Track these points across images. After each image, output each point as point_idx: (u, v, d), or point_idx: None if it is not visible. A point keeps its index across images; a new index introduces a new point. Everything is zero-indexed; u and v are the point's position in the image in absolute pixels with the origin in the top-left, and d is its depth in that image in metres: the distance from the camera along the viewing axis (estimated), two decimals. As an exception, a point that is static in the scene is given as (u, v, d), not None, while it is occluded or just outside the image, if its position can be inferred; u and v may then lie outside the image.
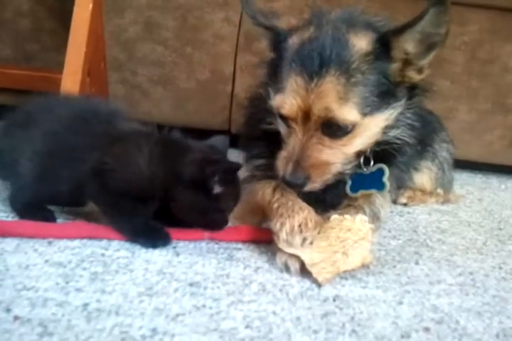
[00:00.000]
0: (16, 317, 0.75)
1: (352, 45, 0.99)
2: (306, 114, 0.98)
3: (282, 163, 1.04)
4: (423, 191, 1.60)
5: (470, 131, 2.00)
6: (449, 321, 0.90)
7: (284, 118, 1.04)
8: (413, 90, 1.08)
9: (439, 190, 1.61)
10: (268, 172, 1.18)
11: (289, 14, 1.78)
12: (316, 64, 0.96)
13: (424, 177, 1.56)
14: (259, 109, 1.19)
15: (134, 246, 1.03)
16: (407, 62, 1.03)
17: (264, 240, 1.08)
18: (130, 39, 1.86)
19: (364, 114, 0.99)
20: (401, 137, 1.13)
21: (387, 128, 1.09)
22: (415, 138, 1.15)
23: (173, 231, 1.11)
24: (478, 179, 2.07)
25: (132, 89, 1.91)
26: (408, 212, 1.51)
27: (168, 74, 1.90)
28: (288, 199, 1.08)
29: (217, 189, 1.00)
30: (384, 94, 1.01)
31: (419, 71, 1.05)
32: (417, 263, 1.13)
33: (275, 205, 1.08)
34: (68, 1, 1.67)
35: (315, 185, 1.03)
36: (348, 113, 0.97)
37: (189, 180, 0.99)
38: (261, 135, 1.21)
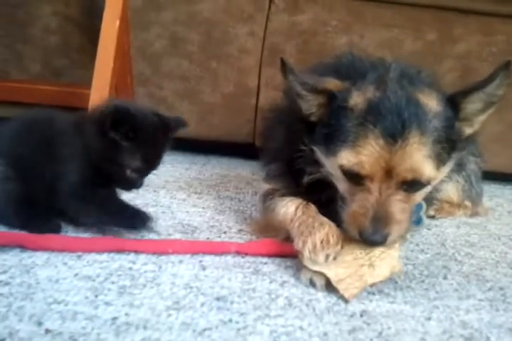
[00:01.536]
0: (47, 331, 0.77)
1: (425, 105, 1.00)
2: (387, 173, 0.98)
3: (355, 220, 1.01)
4: (450, 203, 1.58)
5: (498, 141, 1.98)
6: (479, 337, 0.88)
7: (354, 177, 1.02)
8: (462, 144, 1.10)
9: (467, 203, 1.59)
10: (289, 188, 1.19)
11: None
12: (397, 124, 0.96)
13: (450, 189, 1.54)
14: (284, 125, 1.20)
15: (161, 259, 1.04)
16: (465, 119, 1.06)
17: (290, 254, 1.08)
18: (156, 54, 1.89)
19: (438, 169, 1.01)
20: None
21: None
22: None
23: (199, 245, 1.12)
24: (507, 191, 2.04)
25: (158, 103, 1.93)
26: (436, 225, 1.49)
27: (194, 88, 1.92)
28: (308, 216, 1.09)
29: (122, 142, 1.04)
30: (451, 150, 1.04)
31: (471, 126, 1.08)
32: (445, 277, 1.12)
33: (296, 224, 1.08)
34: (95, 18, 1.72)
35: (394, 240, 1.01)
36: (430, 171, 0.98)
37: (95, 126, 1.06)
38: (282, 150, 1.22)
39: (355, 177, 1.02)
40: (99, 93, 1.48)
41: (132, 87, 1.82)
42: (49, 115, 1.18)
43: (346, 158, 1.00)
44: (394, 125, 0.96)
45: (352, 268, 0.97)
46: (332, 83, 1.07)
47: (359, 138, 0.98)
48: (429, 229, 1.44)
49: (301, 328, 0.85)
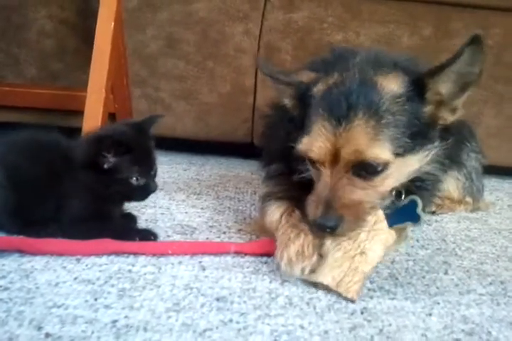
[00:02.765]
0: (47, 335, 0.77)
1: (381, 87, 0.97)
2: (335, 158, 0.97)
3: (312, 206, 1.00)
4: (451, 199, 1.58)
5: (497, 135, 1.98)
6: (480, 332, 0.88)
7: (312, 162, 1.03)
8: (446, 131, 1.06)
9: (468, 199, 1.59)
10: (287, 191, 1.19)
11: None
12: (343, 108, 0.95)
13: (451, 186, 1.54)
14: (282, 124, 1.20)
15: (161, 261, 1.04)
16: (440, 103, 1.02)
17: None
18: (152, 55, 1.89)
19: (396, 154, 0.97)
20: (433, 172, 1.11)
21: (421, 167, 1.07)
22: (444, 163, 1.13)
23: (198, 245, 1.12)
24: (506, 184, 2.03)
25: (155, 104, 1.93)
26: (436, 221, 1.48)
27: (190, 88, 1.92)
28: (289, 225, 1.08)
29: (109, 163, 1.08)
30: (416, 136, 0.99)
31: (453, 111, 1.03)
32: (446, 273, 1.11)
33: (280, 233, 1.08)
34: (90, 20, 1.72)
35: (350, 225, 0.98)
36: (379, 152, 0.95)
37: (81, 164, 1.10)
38: (282, 150, 1.21)
39: (313, 164, 1.02)
40: (95, 95, 1.48)
41: (128, 89, 1.82)
42: (52, 138, 1.18)
43: (304, 143, 1.01)
44: (340, 108, 0.95)
45: (345, 263, 0.96)
46: (305, 75, 1.09)
47: (312, 124, 0.99)
48: (429, 225, 1.44)
49: (301, 327, 0.85)
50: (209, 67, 1.90)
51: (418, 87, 0.99)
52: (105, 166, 1.09)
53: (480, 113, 1.94)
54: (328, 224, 0.96)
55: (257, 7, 1.85)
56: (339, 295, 0.95)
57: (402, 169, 1.01)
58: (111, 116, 1.67)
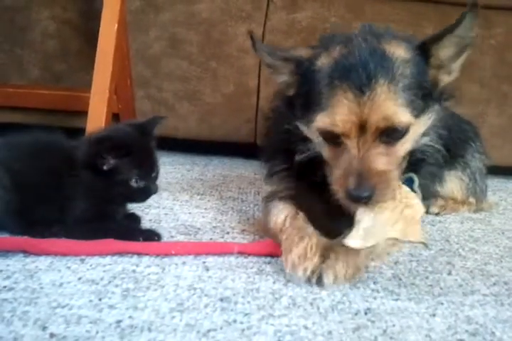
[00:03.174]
0: (51, 335, 0.77)
1: (390, 53, 1.00)
2: (361, 127, 0.97)
3: (340, 181, 0.99)
4: (454, 200, 1.58)
5: (501, 135, 1.98)
6: (484, 333, 0.88)
7: (332, 138, 1.01)
8: (441, 95, 1.09)
9: (471, 200, 1.59)
10: (288, 189, 1.18)
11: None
12: (362, 76, 0.96)
13: (454, 186, 1.54)
14: (283, 125, 1.19)
15: (164, 261, 1.04)
16: (440, 67, 1.05)
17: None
18: (155, 55, 1.89)
19: (415, 116, 0.99)
20: (431, 144, 1.13)
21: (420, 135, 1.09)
22: (444, 146, 1.14)
23: (202, 245, 1.13)
24: (510, 185, 2.03)
25: (158, 104, 1.94)
26: (440, 221, 1.48)
27: (194, 88, 1.92)
28: (294, 228, 1.08)
29: (109, 164, 1.08)
30: (426, 97, 1.02)
31: (449, 73, 1.07)
32: (449, 273, 1.11)
33: (284, 236, 1.08)
34: (93, 21, 1.72)
35: (382, 193, 0.98)
36: (403, 116, 0.97)
37: (82, 165, 1.10)
38: (284, 149, 1.21)
39: (333, 139, 1.02)
40: (98, 96, 1.48)
41: (132, 90, 1.82)
42: (55, 139, 1.19)
43: (321, 120, 1.00)
44: (360, 77, 0.96)
45: (399, 218, 0.97)
46: (303, 51, 1.09)
47: (329, 98, 0.99)
48: (433, 225, 1.44)
49: (305, 327, 0.85)
50: (212, 68, 1.90)
51: (422, 52, 1.03)
52: (105, 168, 1.09)
53: (483, 112, 1.95)
54: (364, 195, 0.96)
55: (260, 7, 1.86)
56: (342, 294, 0.95)
57: (416, 131, 1.04)
58: (114, 117, 1.67)
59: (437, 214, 1.54)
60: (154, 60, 1.90)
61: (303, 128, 1.09)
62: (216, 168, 1.95)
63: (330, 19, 1.85)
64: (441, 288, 1.03)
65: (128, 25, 1.73)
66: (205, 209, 1.42)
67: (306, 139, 1.11)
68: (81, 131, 1.37)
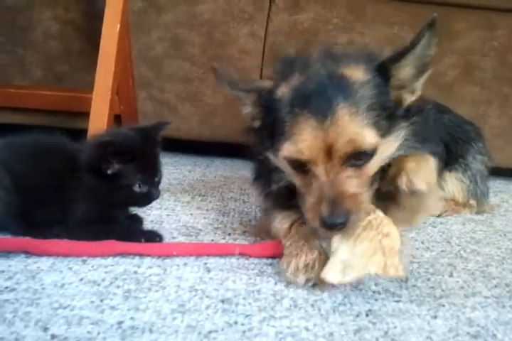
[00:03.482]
0: (53, 336, 0.77)
1: (349, 76, 0.98)
2: (327, 153, 0.95)
3: (313, 210, 0.97)
4: (456, 202, 1.57)
5: (502, 136, 1.98)
6: (485, 335, 0.88)
7: (300, 166, 1.00)
8: (408, 112, 1.06)
9: (472, 202, 1.59)
10: (287, 199, 1.15)
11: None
12: (322, 102, 0.95)
13: (455, 188, 1.54)
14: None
15: (166, 263, 1.04)
16: (402, 87, 1.03)
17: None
18: (157, 56, 1.89)
19: (381, 136, 0.97)
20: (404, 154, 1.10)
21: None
22: (445, 147, 1.14)
23: (203, 247, 1.13)
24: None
25: (160, 105, 1.94)
26: (441, 223, 1.48)
27: (196, 90, 1.92)
28: (301, 237, 1.07)
29: (113, 169, 1.08)
30: (390, 117, 1.00)
31: (412, 92, 1.04)
32: (451, 275, 1.11)
33: (288, 243, 1.07)
34: (96, 22, 1.73)
35: (356, 218, 0.95)
36: (369, 138, 0.95)
37: (85, 168, 1.10)
38: (264, 176, 1.20)
39: (301, 167, 1.00)
40: (100, 97, 1.48)
41: (134, 91, 1.83)
42: (57, 140, 1.19)
43: (287, 149, 0.99)
44: (320, 103, 0.95)
45: (378, 249, 0.94)
46: (266, 82, 1.08)
47: (292, 126, 0.97)
48: (434, 227, 1.44)
49: (306, 329, 0.85)
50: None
51: (382, 73, 1.00)
52: (109, 172, 1.09)
53: (485, 114, 1.95)
54: (339, 221, 0.93)
55: (262, 8, 1.85)
56: (344, 296, 0.95)
57: (384, 151, 1.02)
58: (116, 118, 1.67)
59: (439, 215, 1.54)
60: (156, 61, 1.90)
61: (273, 158, 1.08)
62: (218, 169, 1.95)
63: (332, 20, 1.85)
64: (442, 290, 1.03)
65: (130, 26, 1.73)
66: (207, 210, 1.42)
67: (278, 169, 1.10)
68: (83, 132, 1.37)
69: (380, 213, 0.99)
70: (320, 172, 0.97)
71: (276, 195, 1.18)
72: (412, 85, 1.03)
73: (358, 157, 0.97)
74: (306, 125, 0.95)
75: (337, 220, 0.93)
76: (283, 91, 1.02)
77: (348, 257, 0.93)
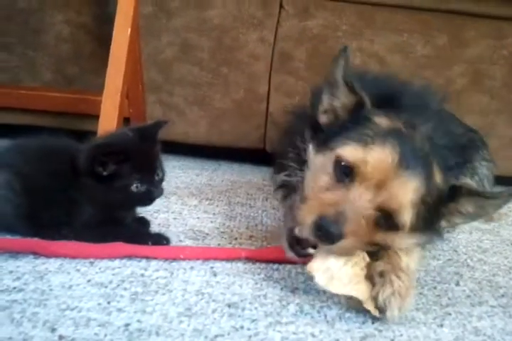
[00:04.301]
0: (60, 337, 0.77)
1: (434, 173, 0.97)
2: (378, 187, 0.92)
3: (312, 208, 0.94)
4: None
5: (510, 146, 1.97)
6: (492, 344, 0.88)
7: (343, 172, 0.96)
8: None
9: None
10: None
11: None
12: (412, 157, 0.94)
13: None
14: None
15: (173, 266, 1.05)
16: (450, 214, 1.02)
17: (301, 260, 1.07)
18: (167, 61, 1.90)
19: (411, 228, 0.96)
20: None
21: None
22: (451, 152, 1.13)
23: (210, 251, 1.13)
24: (519, 195, 2.02)
25: (169, 109, 1.95)
26: (448, 231, 1.48)
27: (204, 94, 1.93)
28: None
29: (108, 170, 1.07)
30: (426, 222, 0.98)
31: (449, 223, 1.04)
32: (457, 284, 1.11)
33: None
34: (107, 25, 1.74)
35: (344, 246, 0.91)
36: (408, 217, 0.93)
37: (82, 170, 1.09)
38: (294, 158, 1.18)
39: (344, 174, 0.96)
40: (110, 100, 1.49)
41: (143, 94, 1.83)
42: (64, 143, 1.20)
43: (351, 151, 0.96)
44: (411, 158, 0.93)
45: (365, 282, 0.94)
46: (367, 99, 1.04)
47: (375, 143, 0.94)
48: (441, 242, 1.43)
49: (312, 335, 0.85)
50: (223, 74, 1.91)
51: (452, 194, 0.99)
52: (104, 173, 1.08)
53: (493, 123, 1.94)
54: (334, 232, 0.88)
55: (271, 14, 1.86)
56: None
57: (400, 240, 0.99)
58: (125, 121, 1.68)
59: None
60: (166, 65, 1.90)
61: (311, 151, 1.06)
62: (225, 173, 1.95)
63: (341, 27, 1.86)
64: (449, 299, 1.03)
65: (140, 30, 1.74)
66: (214, 214, 1.43)
67: (302, 163, 1.09)
68: (92, 134, 1.38)
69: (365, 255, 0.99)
70: (357, 190, 0.92)
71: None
72: (455, 220, 1.03)
73: (386, 219, 0.94)
74: (389, 152, 0.93)
75: (334, 230, 0.89)
76: (382, 122, 1.00)
77: (338, 270, 0.92)
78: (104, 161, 1.07)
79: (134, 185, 1.10)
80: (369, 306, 0.91)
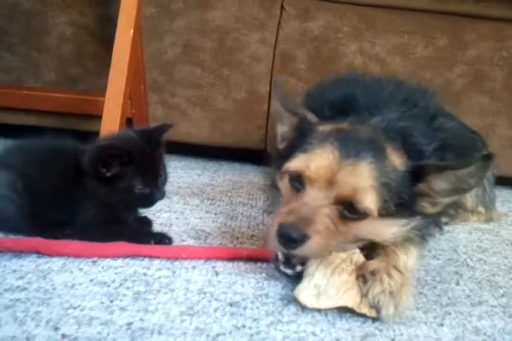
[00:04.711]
0: (63, 336, 0.78)
1: (387, 156, 0.99)
2: (329, 184, 0.95)
3: (280, 216, 0.96)
4: (464, 208, 1.57)
5: (511, 146, 1.97)
6: (492, 344, 0.88)
7: (297, 181, 1.01)
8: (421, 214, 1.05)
9: (481, 208, 1.59)
10: None
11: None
12: (355, 147, 0.96)
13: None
14: None
15: (175, 265, 1.06)
16: (427, 195, 1.02)
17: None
18: (169, 62, 1.91)
19: (379, 214, 0.96)
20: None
21: None
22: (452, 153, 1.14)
23: (212, 250, 1.14)
24: (519, 196, 2.03)
25: (171, 110, 1.95)
26: (448, 231, 1.48)
27: (206, 95, 1.94)
28: None
29: (112, 171, 1.09)
30: (401, 207, 0.99)
31: (434, 205, 1.03)
32: (457, 283, 1.12)
33: None
34: (110, 27, 1.75)
35: (312, 246, 0.92)
36: (369, 201, 0.94)
37: (86, 171, 1.11)
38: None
39: (297, 183, 1.00)
40: (113, 100, 1.50)
41: (146, 95, 1.84)
42: (66, 144, 1.21)
43: (296, 161, 1.00)
44: (352, 147, 0.96)
45: (354, 285, 0.94)
46: (309, 114, 1.11)
47: (315, 147, 0.99)
48: (441, 235, 1.44)
49: (313, 334, 0.86)
50: (224, 75, 1.92)
51: (417, 173, 0.99)
52: (108, 174, 1.09)
53: (494, 124, 1.94)
54: (295, 236, 0.90)
55: (273, 16, 1.87)
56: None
57: (378, 229, 0.99)
58: (128, 121, 1.69)
59: (446, 223, 1.53)
60: (168, 66, 1.91)
61: (278, 178, 1.10)
62: (226, 173, 1.96)
63: (342, 29, 1.86)
64: (449, 298, 1.04)
65: (143, 31, 1.75)
66: (215, 214, 1.44)
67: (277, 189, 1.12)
68: (95, 134, 1.39)
69: (358, 251, 1.00)
70: (310, 193, 0.96)
71: None
72: (438, 199, 1.02)
73: (350, 208, 0.95)
74: (328, 150, 0.97)
75: (294, 234, 0.90)
76: (326, 128, 1.05)
77: (325, 284, 0.92)
78: (108, 162, 1.08)
79: (137, 187, 1.11)
80: (362, 310, 0.91)
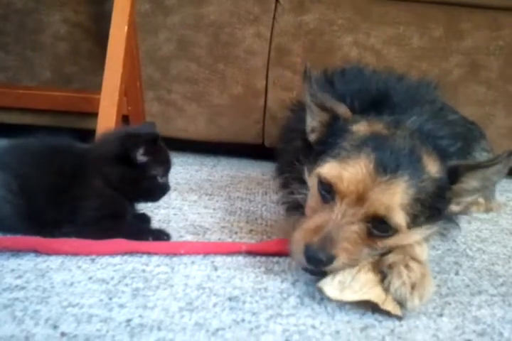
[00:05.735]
0: (62, 334, 0.78)
1: (425, 165, 0.96)
2: (360, 200, 0.93)
3: (305, 235, 0.95)
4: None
5: (508, 136, 1.97)
6: (491, 333, 0.88)
7: (326, 190, 0.98)
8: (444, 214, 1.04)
9: (480, 199, 1.59)
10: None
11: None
12: (393, 163, 0.93)
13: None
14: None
15: (174, 261, 1.06)
16: (459, 195, 1.01)
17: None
18: (164, 57, 1.91)
19: (408, 225, 0.95)
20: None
21: None
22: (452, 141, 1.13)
23: (210, 245, 1.14)
24: (518, 185, 2.03)
25: (167, 106, 1.95)
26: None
27: (202, 90, 1.94)
28: None
29: (142, 159, 1.13)
30: (431, 217, 0.99)
31: (458, 204, 1.03)
32: (457, 273, 1.12)
33: None
34: (104, 24, 1.75)
35: (340, 264, 0.92)
36: (400, 219, 0.92)
37: (113, 156, 1.14)
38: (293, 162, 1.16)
39: (327, 192, 0.98)
40: (108, 98, 1.50)
41: (141, 91, 1.84)
42: (63, 142, 1.21)
43: (329, 168, 0.97)
44: (390, 161, 0.93)
45: (379, 285, 0.94)
46: (342, 108, 1.05)
47: (351, 156, 0.95)
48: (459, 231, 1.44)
49: (313, 327, 0.86)
50: (220, 70, 1.91)
51: (451, 177, 0.98)
52: (143, 160, 1.13)
53: (491, 114, 1.94)
54: (322, 258, 0.91)
55: (267, 10, 1.86)
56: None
57: (404, 240, 0.99)
58: (124, 118, 1.69)
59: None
60: (163, 61, 1.91)
61: (306, 173, 1.08)
62: (224, 168, 1.96)
63: (337, 21, 1.85)
64: (448, 288, 1.04)
65: (137, 27, 1.74)
66: (214, 209, 1.43)
67: (302, 182, 1.09)
68: (91, 132, 1.39)
69: None
70: (339, 209, 0.94)
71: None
72: (464, 199, 1.02)
73: (380, 225, 0.94)
74: (363, 163, 0.93)
75: (321, 256, 0.91)
76: (360, 128, 1.01)
77: (349, 280, 0.92)
78: (139, 151, 1.12)
79: (159, 176, 1.16)
80: (387, 306, 0.90)
